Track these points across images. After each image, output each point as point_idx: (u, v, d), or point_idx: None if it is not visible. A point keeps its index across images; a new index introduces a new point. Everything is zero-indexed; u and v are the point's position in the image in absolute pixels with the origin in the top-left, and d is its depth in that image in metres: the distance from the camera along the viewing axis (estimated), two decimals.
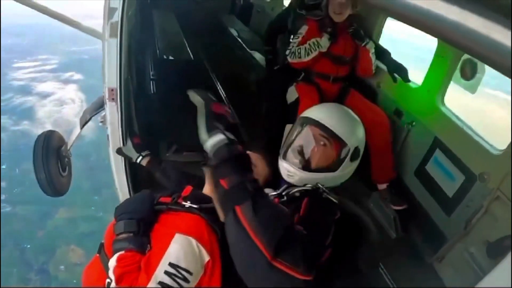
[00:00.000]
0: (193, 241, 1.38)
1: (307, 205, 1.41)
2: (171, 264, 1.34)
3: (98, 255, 1.56)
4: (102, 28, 2.48)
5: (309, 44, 3.25)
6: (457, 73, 2.85)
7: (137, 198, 1.66)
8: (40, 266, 15.82)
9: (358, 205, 1.59)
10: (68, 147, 3.40)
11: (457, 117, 2.88)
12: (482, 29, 0.63)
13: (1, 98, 24.45)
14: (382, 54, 3.40)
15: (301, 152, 1.73)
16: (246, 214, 1.07)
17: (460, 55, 2.72)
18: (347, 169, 1.75)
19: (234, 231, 1.11)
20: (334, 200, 1.51)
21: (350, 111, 1.91)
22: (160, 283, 1.31)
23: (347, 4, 3.15)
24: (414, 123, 3.19)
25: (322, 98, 3.30)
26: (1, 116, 23.11)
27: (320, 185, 1.57)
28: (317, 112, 1.81)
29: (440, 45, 2.94)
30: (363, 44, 3.27)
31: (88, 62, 26.23)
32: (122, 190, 2.54)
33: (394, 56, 3.36)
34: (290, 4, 4.44)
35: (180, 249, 1.37)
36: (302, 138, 1.77)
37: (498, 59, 0.63)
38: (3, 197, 18.21)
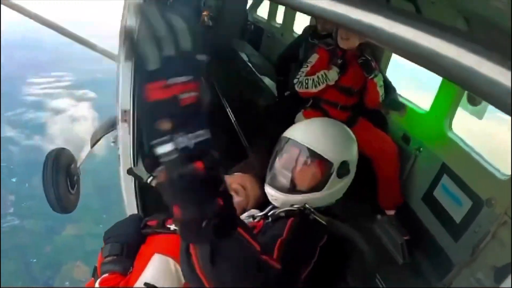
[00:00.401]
0: (171, 261, 1.39)
1: (290, 227, 1.30)
2: (147, 284, 1.35)
3: (93, 278, 1.58)
4: (117, 50, 2.56)
5: (317, 76, 3.23)
6: (464, 98, 2.88)
7: (124, 222, 1.70)
8: (45, 281, 15.80)
9: (352, 227, 1.50)
10: (78, 165, 3.44)
11: (464, 142, 2.89)
12: (480, 67, 0.65)
13: (15, 112, 24.95)
14: (388, 89, 3.39)
15: (281, 175, 1.61)
16: (200, 259, 0.86)
17: None
18: (336, 186, 1.61)
19: (185, 267, 0.92)
20: (322, 222, 1.40)
21: (336, 124, 1.76)
22: None
23: None
24: (421, 149, 3.21)
25: None
26: (14, 130, 23.53)
27: (307, 206, 1.46)
28: (293, 131, 1.70)
29: None
30: (371, 77, 3.19)
31: (102, 81, 26.62)
32: (130, 210, 2.55)
33: (405, 79, 3.39)
34: (302, 33, 4.51)
35: (157, 269, 1.38)
36: (281, 160, 1.65)
37: (497, 97, 0.65)
38: (11, 210, 18.34)
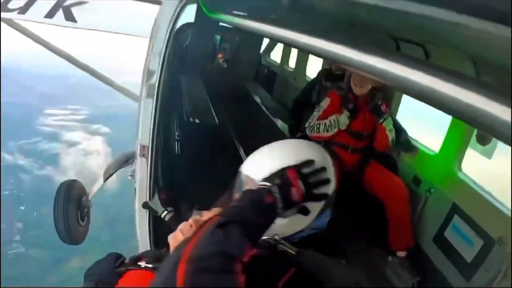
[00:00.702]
0: None
1: (253, 257, 1.18)
2: None
3: None
4: (139, 88, 2.67)
5: (329, 121, 3.29)
6: (473, 138, 2.92)
7: (101, 261, 1.75)
8: None
9: (363, 268, 1.41)
10: (89, 198, 3.50)
11: (474, 182, 2.92)
12: (483, 105, 0.71)
13: (29, 140, 25.42)
14: (398, 133, 3.42)
15: None
16: (212, 224, 1.04)
17: None
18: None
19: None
20: (292, 252, 1.29)
21: (278, 141, 1.50)
22: None
23: (368, 77, 3.16)
24: (432, 190, 3.22)
25: (341, 166, 3.24)
26: (27, 159, 23.87)
27: (276, 237, 1.33)
28: None
29: None
30: (381, 122, 3.23)
31: (116, 116, 26.94)
32: (143, 243, 2.57)
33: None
34: (316, 77, 4.60)
35: None
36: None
37: (501, 132, 0.69)
38: (17, 237, 18.33)
